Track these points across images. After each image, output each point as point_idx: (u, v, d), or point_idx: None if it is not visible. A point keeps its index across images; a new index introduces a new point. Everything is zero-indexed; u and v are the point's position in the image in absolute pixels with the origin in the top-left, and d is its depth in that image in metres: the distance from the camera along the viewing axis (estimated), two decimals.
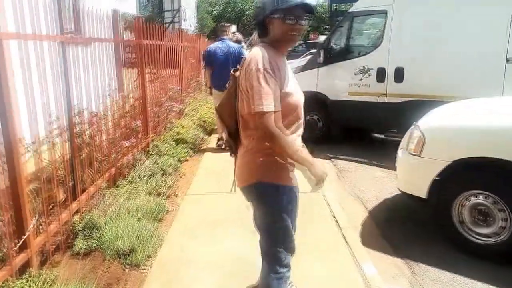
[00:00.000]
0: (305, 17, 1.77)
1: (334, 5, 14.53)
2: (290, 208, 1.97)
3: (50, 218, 2.83)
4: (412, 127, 3.74)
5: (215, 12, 37.72)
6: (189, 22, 21.10)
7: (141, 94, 5.28)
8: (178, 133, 6.10)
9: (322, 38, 23.26)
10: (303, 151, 1.86)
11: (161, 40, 6.12)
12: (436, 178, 3.30)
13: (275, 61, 1.78)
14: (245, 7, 38.11)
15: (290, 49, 1.95)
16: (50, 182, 2.84)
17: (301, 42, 34.19)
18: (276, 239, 2.01)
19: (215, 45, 6.06)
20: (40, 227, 2.75)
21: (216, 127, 6.83)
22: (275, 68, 1.75)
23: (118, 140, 4.26)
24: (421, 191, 3.42)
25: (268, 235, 2.04)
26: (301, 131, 1.97)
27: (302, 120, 1.94)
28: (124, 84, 4.73)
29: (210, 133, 7.24)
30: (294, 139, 1.89)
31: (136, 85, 5.22)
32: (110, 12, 4.29)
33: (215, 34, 7.29)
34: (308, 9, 1.78)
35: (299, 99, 1.88)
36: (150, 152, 5.25)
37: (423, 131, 3.40)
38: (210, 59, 5.99)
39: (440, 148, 3.34)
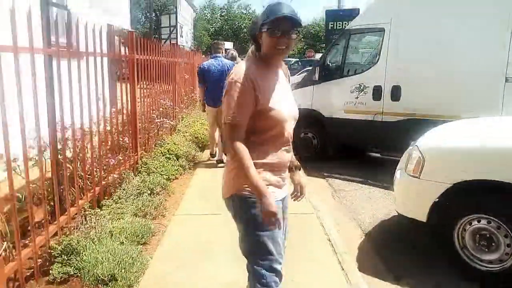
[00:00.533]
0: (291, 30, 1.73)
1: (331, 23, 14.52)
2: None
3: (25, 241, 2.63)
4: (410, 147, 3.59)
5: (212, 29, 38.01)
6: (185, 39, 21.15)
7: (131, 109, 5.13)
8: (168, 150, 5.93)
9: (318, 56, 23.48)
10: (260, 176, 1.76)
11: (154, 55, 6.01)
12: (436, 201, 3.14)
13: (257, 74, 1.76)
14: (242, 25, 38.47)
15: (279, 61, 1.90)
16: (29, 202, 2.65)
17: (297, 59, 34.52)
18: (253, 254, 1.91)
19: (209, 62, 6.07)
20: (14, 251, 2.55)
21: (209, 143, 6.69)
22: (253, 81, 1.73)
23: (104, 158, 4.08)
24: (421, 214, 3.26)
25: (244, 250, 1.95)
26: (288, 147, 1.91)
27: (287, 136, 1.87)
28: (117, 98, 4.59)
29: (203, 149, 7.07)
30: (276, 155, 1.84)
31: (127, 100, 5.07)
32: (104, 26, 4.18)
33: (210, 51, 7.35)
34: (294, 22, 1.73)
35: (283, 114, 1.80)
36: (139, 169, 5.06)
37: (423, 152, 3.25)
38: (203, 75, 6.00)
39: (440, 169, 3.18)
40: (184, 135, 7.07)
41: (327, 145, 6.43)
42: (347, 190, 5.25)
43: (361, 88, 5.88)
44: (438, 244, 3.27)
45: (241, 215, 1.88)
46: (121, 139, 4.53)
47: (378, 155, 5.75)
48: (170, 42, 19.62)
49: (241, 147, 1.72)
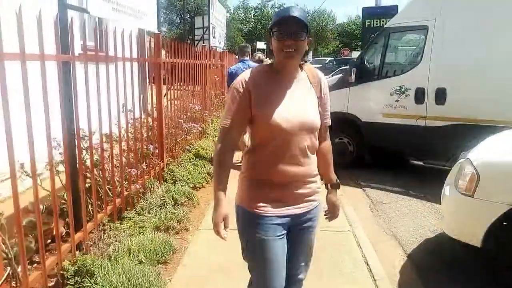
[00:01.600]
0: (299, 32, 1.63)
1: (367, 20, 13.91)
2: (261, 239, 1.73)
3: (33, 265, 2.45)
4: (461, 160, 3.16)
5: (246, 29, 37.87)
6: (218, 39, 21.05)
7: (157, 115, 4.94)
8: (196, 156, 5.72)
9: (354, 54, 22.77)
10: (222, 189, 1.72)
11: (182, 57, 5.81)
12: (493, 224, 2.72)
13: (259, 82, 1.72)
14: None
15: (292, 67, 1.75)
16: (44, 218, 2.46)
17: (332, 58, 33.79)
18: (250, 271, 1.88)
19: (237, 66, 6.08)
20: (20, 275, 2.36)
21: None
22: (249, 89, 1.69)
23: (126, 167, 3.90)
24: (474, 238, 2.84)
25: (248, 265, 1.88)
26: (300, 161, 1.74)
27: (296, 150, 1.72)
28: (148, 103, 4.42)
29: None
30: (280, 170, 1.72)
31: (152, 105, 4.89)
32: (127, 28, 4.01)
33: (238, 55, 7.39)
34: (301, 23, 1.63)
35: (282, 125, 1.67)
36: (165, 177, 4.87)
37: (477, 167, 2.83)
38: (231, 80, 5.75)
39: (498, 188, 2.75)
40: (213, 139, 6.85)
41: (364, 152, 6.00)
42: (386, 202, 4.82)
43: (402, 90, 5.43)
44: (495, 272, 2.85)
45: (239, 228, 1.84)
46: (145, 147, 4.33)
47: (420, 163, 5.26)
48: (203, 43, 19.57)
49: (221, 154, 1.73)
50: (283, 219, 1.75)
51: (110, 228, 3.37)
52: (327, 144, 1.93)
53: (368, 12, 14.26)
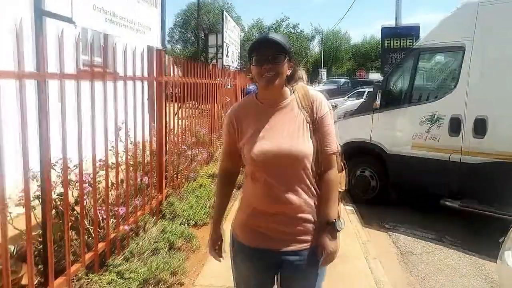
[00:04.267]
0: (275, 54, 1.58)
1: (387, 40, 13.34)
2: (238, 266, 1.78)
3: None
4: None
5: None
6: (231, 58, 20.78)
7: (158, 140, 4.38)
8: (201, 186, 5.12)
9: (372, 76, 22.14)
10: (216, 212, 1.84)
11: (189, 76, 5.30)
12: None
13: (244, 111, 1.74)
14: (291, 44, 37.95)
15: (275, 92, 1.67)
16: None
17: (347, 79, 33.26)
18: None
19: (254, 87, 5.38)
20: None
21: None
22: (233, 119, 1.72)
23: (116, 203, 3.32)
24: None
25: None
26: (281, 197, 1.61)
27: (273, 183, 1.61)
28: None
29: (239, 186, 6.21)
30: (260, 202, 1.66)
31: (151, 130, 4.35)
32: (134, 45, 3.52)
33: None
34: (276, 46, 1.58)
35: (254, 156, 1.61)
36: (163, 211, 4.28)
37: None
38: None
39: None
40: None
41: (389, 187, 5.30)
42: (417, 253, 4.09)
43: (434, 118, 4.79)
44: None
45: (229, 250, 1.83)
46: (140, 178, 3.76)
47: (458, 204, 4.55)
48: (216, 61, 19.30)
49: (218, 180, 1.87)
50: (266, 254, 1.66)
51: (87, 281, 2.78)
52: (330, 175, 1.67)
53: (388, 32, 13.69)
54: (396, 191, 5.25)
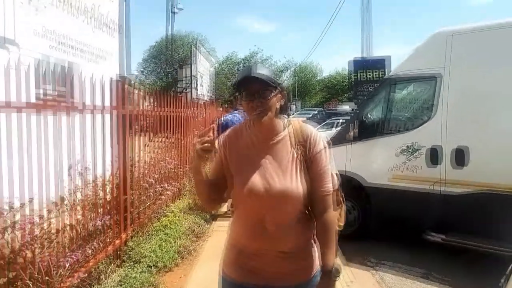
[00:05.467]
0: (261, 91, 1.53)
1: (358, 71, 13.48)
2: None
3: None
4: None
5: (229, 83, 37.86)
6: (205, 89, 20.70)
7: (121, 177, 3.99)
8: (167, 225, 4.70)
9: (344, 106, 22.35)
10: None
11: (158, 107, 4.99)
12: None
13: (234, 139, 1.69)
14: None
15: (266, 125, 1.60)
16: None
17: (320, 109, 33.59)
18: None
19: (232, 115, 6.00)
20: None
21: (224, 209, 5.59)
22: (224, 146, 1.68)
23: (62, 253, 2.89)
24: None
25: None
26: (262, 229, 1.55)
27: (258, 216, 1.55)
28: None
29: (214, 217, 5.83)
30: (246, 239, 1.62)
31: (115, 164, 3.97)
32: (89, 73, 3.19)
33: (231, 104, 7.67)
34: (261, 81, 1.53)
35: (242, 190, 1.56)
36: (125, 255, 3.85)
37: None
38: (226, 128, 5.11)
39: None
40: (193, 199, 5.90)
41: (370, 220, 5.02)
42: None
43: (412, 149, 4.61)
44: None
45: None
46: (101, 218, 3.35)
47: (442, 237, 4.31)
48: (189, 92, 19.15)
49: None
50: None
51: None
52: (326, 217, 1.57)
53: (358, 64, 13.84)
54: (377, 224, 4.97)
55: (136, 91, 4.68)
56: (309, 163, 1.58)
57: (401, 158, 4.68)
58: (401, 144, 4.70)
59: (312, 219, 1.63)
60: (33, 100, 2.58)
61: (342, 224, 1.70)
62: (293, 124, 1.66)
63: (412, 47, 5.06)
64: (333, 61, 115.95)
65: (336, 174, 1.74)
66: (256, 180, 1.56)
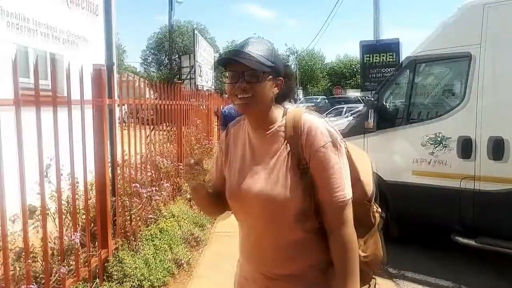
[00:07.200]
0: (250, 71, 1.23)
1: (366, 56, 12.82)
2: None
3: None
4: None
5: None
6: (205, 78, 20.15)
7: (100, 179, 3.42)
8: (161, 231, 4.16)
9: (350, 93, 21.54)
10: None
11: (141, 97, 4.41)
12: None
13: (235, 133, 1.45)
14: None
15: (254, 117, 1.35)
16: None
17: (324, 97, 32.89)
18: None
19: (231, 106, 5.32)
20: None
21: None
22: (223, 144, 1.48)
23: (25, 278, 2.35)
24: None
25: None
26: (253, 245, 1.35)
27: (250, 229, 1.36)
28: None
29: (212, 222, 5.30)
30: (242, 249, 1.42)
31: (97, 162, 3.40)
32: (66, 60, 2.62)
33: None
34: (250, 58, 1.22)
35: (229, 195, 1.38)
36: (109, 271, 3.31)
37: None
38: (225, 120, 5.10)
39: None
40: (191, 201, 5.37)
41: (389, 222, 4.46)
42: None
43: (439, 139, 4.03)
44: None
45: None
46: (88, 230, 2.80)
47: (474, 241, 3.75)
48: (190, 82, 18.65)
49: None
50: None
51: None
52: (337, 236, 1.24)
53: (367, 47, 13.18)
54: (397, 226, 4.39)
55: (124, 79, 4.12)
56: (308, 163, 1.26)
57: (426, 150, 4.10)
58: (425, 134, 4.12)
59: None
60: None
61: (368, 254, 1.35)
62: (288, 114, 1.34)
63: (421, 33, 4.42)
64: (336, 48, 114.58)
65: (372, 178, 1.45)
66: (243, 181, 1.33)
